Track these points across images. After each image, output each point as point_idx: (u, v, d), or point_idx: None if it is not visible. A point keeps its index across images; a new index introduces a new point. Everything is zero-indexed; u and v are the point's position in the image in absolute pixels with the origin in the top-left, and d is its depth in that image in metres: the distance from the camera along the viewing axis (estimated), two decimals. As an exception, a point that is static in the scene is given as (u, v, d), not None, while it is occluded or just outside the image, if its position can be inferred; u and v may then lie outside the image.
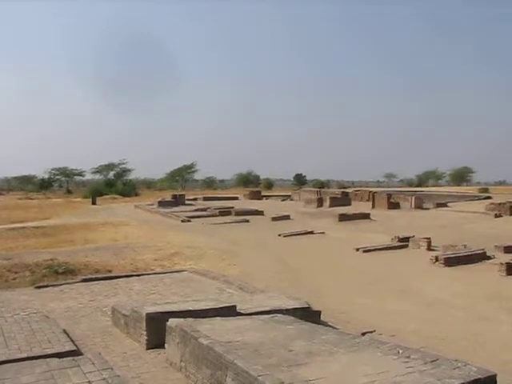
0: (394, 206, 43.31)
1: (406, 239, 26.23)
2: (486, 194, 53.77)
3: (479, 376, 6.09)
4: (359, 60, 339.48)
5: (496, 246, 23.62)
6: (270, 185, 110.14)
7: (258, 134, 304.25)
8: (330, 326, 11.04)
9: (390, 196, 45.30)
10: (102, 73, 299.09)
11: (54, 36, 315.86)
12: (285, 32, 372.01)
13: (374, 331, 11.86)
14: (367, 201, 47.48)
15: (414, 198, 44.56)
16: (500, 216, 35.66)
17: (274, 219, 37.87)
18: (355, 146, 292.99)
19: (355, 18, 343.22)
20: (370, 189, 61.02)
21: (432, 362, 6.67)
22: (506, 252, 22.97)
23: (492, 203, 39.59)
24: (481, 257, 22.05)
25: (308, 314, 10.90)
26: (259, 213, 41.19)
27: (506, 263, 19.57)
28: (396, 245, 25.90)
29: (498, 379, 6.23)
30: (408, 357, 6.93)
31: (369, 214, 38.00)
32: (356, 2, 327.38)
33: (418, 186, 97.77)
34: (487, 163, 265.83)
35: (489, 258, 22.03)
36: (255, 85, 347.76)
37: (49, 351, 8.45)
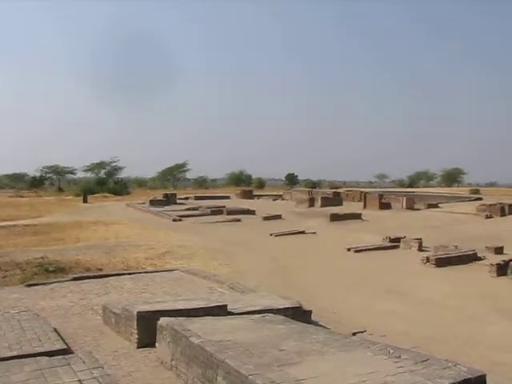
0: (386, 206, 43.42)
1: (398, 240, 26.32)
2: (477, 196, 54.00)
3: (469, 376, 6.11)
4: (353, 60, 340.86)
5: (487, 247, 23.74)
6: (261, 184, 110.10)
7: (251, 134, 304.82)
8: (321, 326, 11.05)
9: (381, 196, 45.42)
10: (96, 71, 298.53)
11: (52, 34, 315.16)
12: (277, 31, 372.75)
13: (365, 331, 11.89)
14: (359, 201, 47.60)
15: (405, 198, 44.71)
16: (491, 217, 35.82)
17: (266, 219, 37.87)
18: (347, 146, 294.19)
19: (349, 18, 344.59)
20: (362, 189, 61.16)
21: (422, 361, 6.69)
22: (496, 253, 23.09)
23: (483, 204, 39.76)
24: (472, 258, 22.15)
25: (299, 314, 10.91)
26: (251, 212, 41.16)
27: (497, 264, 19.67)
28: (387, 245, 25.98)
29: (487, 379, 6.25)
30: (398, 357, 6.94)
31: (360, 214, 38.07)
32: (349, 2, 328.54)
33: (409, 187, 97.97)
34: (478, 164, 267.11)
35: (479, 258, 22.13)
36: (248, 85, 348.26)
37: (39, 350, 8.42)
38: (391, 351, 7.21)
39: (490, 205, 38.40)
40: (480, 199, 47.78)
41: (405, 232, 28.00)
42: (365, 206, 43.80)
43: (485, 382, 6.20)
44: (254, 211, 41.27)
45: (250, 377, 6.18)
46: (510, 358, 10.83)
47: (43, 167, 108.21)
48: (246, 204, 47.70)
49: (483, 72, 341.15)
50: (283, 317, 9.91)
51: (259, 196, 62.65)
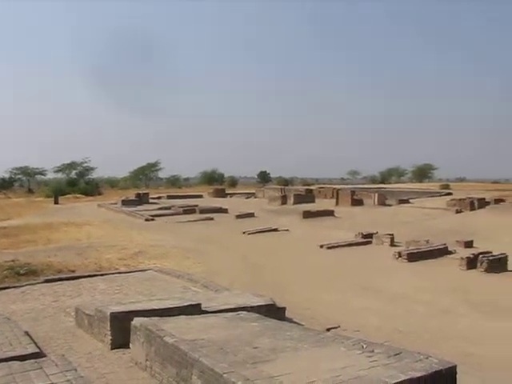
0: (358, 202, 43.69)
1: (370, 235, 26.54)
2: (447, 191, 54.55)
3: (440, 368, 6.21)
4: (325, 59, 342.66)
5: (457, 241, 24.09)
6: (234, 182, 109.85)
7: (223, 132, 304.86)
8: (295, 323, 11.11)
9: (353, 193, 45.67)
10: (72, 68, 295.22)
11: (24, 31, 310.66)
12: (250, 31, 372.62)
13: (339, 327, 11.98)
14: (331, 198, 47.77)
15: (377, 194, 45.02)
16: (461, 212, 36.31)
17: (239, 217, 37.87)
18: (320, 143, 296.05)
19: (321, 15, 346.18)
20: (334, 186, 61.39)
21: (395, 355, 6.77)
22: (466, 247, 23.45)
23: (453, 199, 40.29)
24: (442, 252, 22.48)
25: (273, 311, 10.94)
26: (223, 210, 41.14)
27: (467, 257, 19.98)
28: (360, 241, 26.18)
29: (458, 370, 6.36)
30: (372, 351, 7.01)
31: (333, 210, 38.27)
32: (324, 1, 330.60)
33: (381, 183, 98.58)
34: (448, 160, 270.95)
35: (450, 252, 22.47)
36: (221, 84, 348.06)
37: (10, 354, 8.30)
38: (364, 346, 7.28)
39: (460, 199, 38.92)
40: (450, 194, 48.33)
41: (377, 228, 28.24)
42: (337, 203, 44.01)
43: (455, 372, 6.31)
44: (227, 209, 41.26)
45: (225, 375, 6.19)
46: (480, 349, 11.05)
47: (12, 168, 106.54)
48: (219, 202, 47.59)
49: (456, 69, 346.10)
50: (257, 314, 9.93)
51: (232, 194, 62.55)
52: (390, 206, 42.53)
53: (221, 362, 6.63)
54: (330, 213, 37.57)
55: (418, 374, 6.01)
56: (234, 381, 6.02)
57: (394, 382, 5.80)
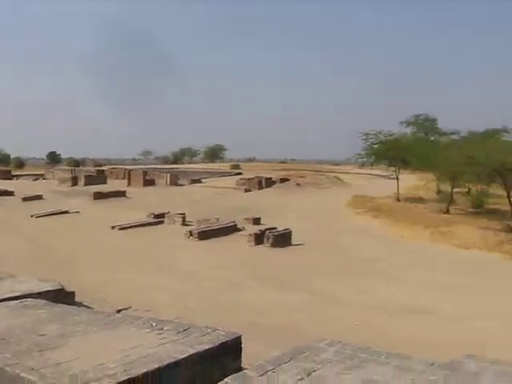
0: (150, 183, 43.81)
1: (162, 215, 26.80)
2: (238, 171, 56.80)
3: (226, 339, 6.48)
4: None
5: (246, 219, 25.27)
6: (21, 164, 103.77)
7: (5, 108, 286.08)
8: (86, 306, 10.87)
9: (145, 173, 45.68)
10: None
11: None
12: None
13: (130, 307, 11.97)
14: (123, 178, 47.35)
15: (169, 174, 45.53)
16: (249, 190, 38.10)
17: (26, 199, 35.95)
18: (113, 123, 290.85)
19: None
20: (126, 166, 60.79)
21: (184, 331, 6.92)
22: (254, 223, 24.72)
23: (242, 179, 42.17)
24: (232, 229, 23.46)
25: (61, 296, 10.57)
26: (9, 193, 38.78)
27: (254, 233, 21.10)
28: (152, 221, 26.32)
29: (245, 339, 6.70)
30: (161, 329, 7.10)
31: (124, 191, 37.93)
32: None
33: (173, 163, 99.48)
34: (239, 141, 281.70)
35: (239, 230, 23.52)
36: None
37: None
38: (154, 324, 7.34)
39: (249, 179, 40.82)
40: (240, 174, 50.38)
41: (169, 207, 28.57)
42: (129, 184, 43.72)
43: (240, 342, 6.63)
44: (13, 192, 39.00)
45: (7, 367, 5.86)
46: (264, 319, 11.80)
47: None
48: (4, 185, 44.60)
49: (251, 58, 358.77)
50: (44, 301, 9.52)
51: (18, 176, 59.18)
52: (182, 185, 43.25)
53: (2, 353, 6.28)
54: (121, 193, 37.20)
55: (206, 347, 6.22)
56: (18, 372, 5.74)
57: (182, 356, 5.94)
